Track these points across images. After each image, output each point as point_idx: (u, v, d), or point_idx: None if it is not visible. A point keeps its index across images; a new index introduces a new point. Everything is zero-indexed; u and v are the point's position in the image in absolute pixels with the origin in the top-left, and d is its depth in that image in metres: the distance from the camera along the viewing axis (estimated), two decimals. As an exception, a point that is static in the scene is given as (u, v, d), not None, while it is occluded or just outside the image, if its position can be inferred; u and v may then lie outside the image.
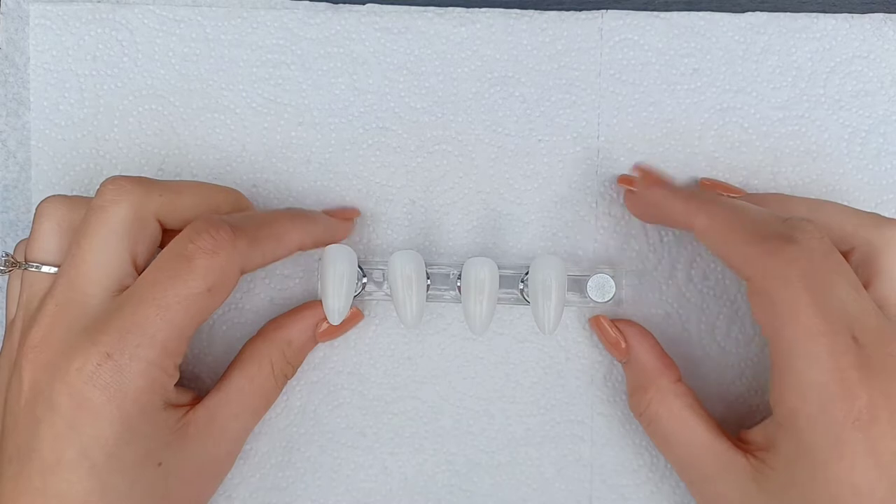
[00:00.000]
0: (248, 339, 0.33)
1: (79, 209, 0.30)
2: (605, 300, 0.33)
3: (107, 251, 0.28)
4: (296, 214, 0.32)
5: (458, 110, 0.35)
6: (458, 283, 0.33)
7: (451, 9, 0.35)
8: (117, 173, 0.34)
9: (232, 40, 0.35)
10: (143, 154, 0.35)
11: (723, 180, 0.34)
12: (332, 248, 0.32)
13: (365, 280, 0.34)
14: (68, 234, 0.30)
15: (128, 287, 0.28)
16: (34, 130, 0.35)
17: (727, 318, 0.34)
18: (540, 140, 0.35)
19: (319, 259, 0.33)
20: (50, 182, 0.34)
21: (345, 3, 0.35)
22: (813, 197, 0.33)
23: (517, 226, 0.35)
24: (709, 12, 0.35)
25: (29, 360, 0.28)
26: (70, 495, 0.26)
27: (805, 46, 0.35)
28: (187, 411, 0.30)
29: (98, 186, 0.29)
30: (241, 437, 0.32)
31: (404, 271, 0.31)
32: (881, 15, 0.35)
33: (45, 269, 0.30)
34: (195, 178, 0.35)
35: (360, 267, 0.33)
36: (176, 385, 0.29)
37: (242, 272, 0.29)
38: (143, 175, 0.30)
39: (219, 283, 0.28)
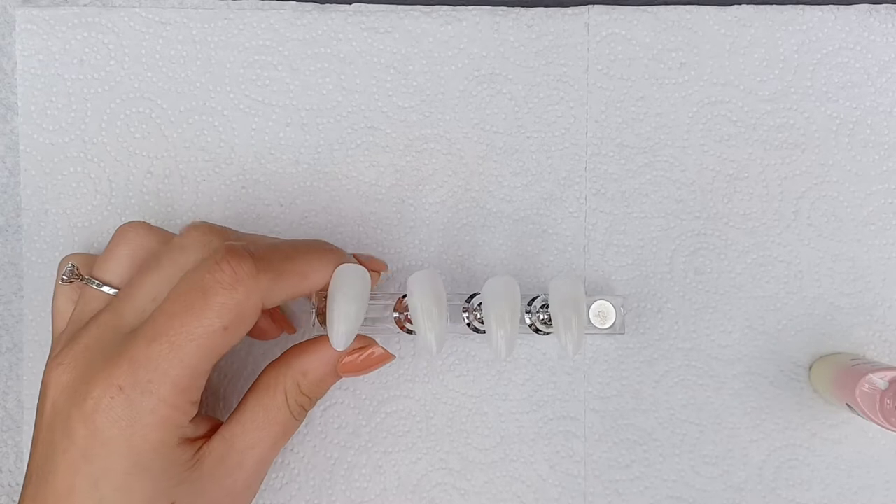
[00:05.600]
0: (270, 363, 0.31)
1: (157, 240, 0.30)
2: (606, 326, 0.31)
3: (162, 287, 0.27)
4: (324, 251, 0.30)
5: (445, 108, 0.35)
6: (473, 307, 0.31)
7: (437, 7, 0.35)
8: (105, 177, 0.34)
9: (219, 42, 0.35)
10: (131, 157, 0.35)
11: (713, 173, 0.34)
12: (343, 268, 0.29)
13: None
14: (139, 263, 0.29)
15: None
16: (22, 135, 0.35)
17: (723, 315, 0.34)
18: (528, 137, 0.35)
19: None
20: (38, 187, 0.34)
21: (331, 3, 0.35)
22: (801, 188, 0.33)
23: (507, 223, 0.35)
24: (695, 6, 0.35)
25: (52, 377, 0.27)
26: None
27: (791, 39, 0.35)
28: (202, 445, 0.29)
29: (183, 228, 0.29)
30: (259, 469, 0.30)
31: (424, 304, 0.29)
32: (866, 6, 0.35)
33: (105, 288, 0.29)
34: (184, 180, 0.34)
35: None
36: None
37: (262, 308, 0.27)
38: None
39: (236, 321, 0.26)
